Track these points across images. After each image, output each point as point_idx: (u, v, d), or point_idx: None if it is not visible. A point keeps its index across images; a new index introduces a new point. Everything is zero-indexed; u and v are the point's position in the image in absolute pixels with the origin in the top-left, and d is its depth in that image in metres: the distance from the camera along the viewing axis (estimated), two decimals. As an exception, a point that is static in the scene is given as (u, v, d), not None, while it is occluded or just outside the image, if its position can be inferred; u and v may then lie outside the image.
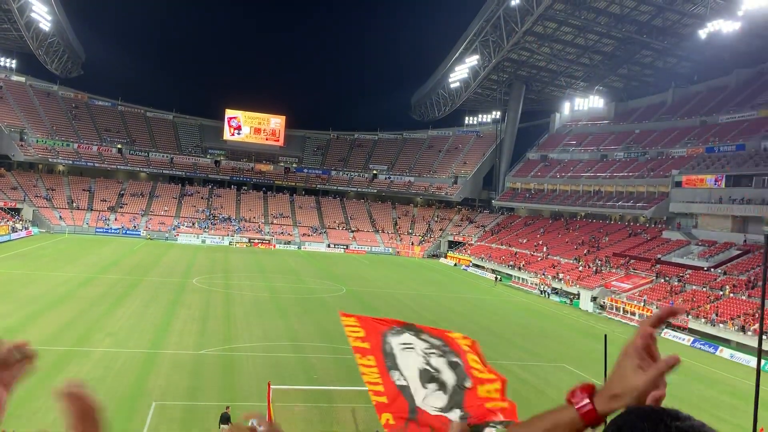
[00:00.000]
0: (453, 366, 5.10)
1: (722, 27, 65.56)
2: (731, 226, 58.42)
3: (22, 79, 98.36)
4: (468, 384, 5.00)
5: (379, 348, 5.18)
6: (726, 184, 59.65)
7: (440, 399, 4.84)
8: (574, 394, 1.52)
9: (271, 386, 18.96)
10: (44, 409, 18.94)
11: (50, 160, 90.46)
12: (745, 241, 55.25)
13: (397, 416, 4.83)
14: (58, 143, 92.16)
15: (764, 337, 38.19)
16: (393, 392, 4.96)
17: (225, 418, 18.74)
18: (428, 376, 5.02)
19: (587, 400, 1.48)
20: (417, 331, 5.39)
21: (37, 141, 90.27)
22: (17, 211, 77.08)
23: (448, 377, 5.00)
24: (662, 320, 1.49)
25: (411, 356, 5.17)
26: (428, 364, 5.12)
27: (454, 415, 4.79)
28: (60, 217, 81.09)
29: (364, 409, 21.45)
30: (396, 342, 5.22)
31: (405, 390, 4.95)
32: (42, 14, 79.06)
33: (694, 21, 70.28)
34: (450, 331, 5.53)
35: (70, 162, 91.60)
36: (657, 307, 46.40)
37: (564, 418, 1.51)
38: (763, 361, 35.04)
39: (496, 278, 66.44)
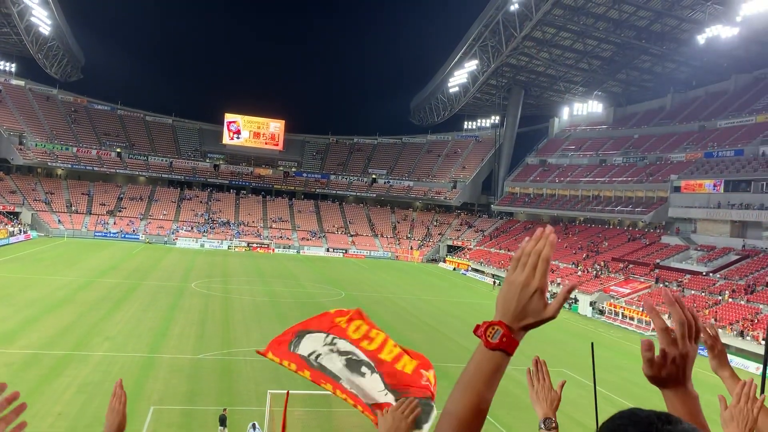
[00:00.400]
0: (343, 354, 4.82)
1: (721, 32, 65.76)
2: (730, 231, 58.47)
3: (22, 82, 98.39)
4: (366, 369, 4.68)
5: (313, 369, 4.87)
6: (724, 189, 59.72)
7: (375, 381, 4.58)
8: (492, 336, 1.64)
9: (269, 392, 18.95)
10: (41, 414, 18.90)
11: (49, 164, 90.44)
12: (743, 246, 55.31)
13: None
14: (58, 147, 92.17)
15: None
16: (359, 400, 4.72)
17: (222, 420, 18.88)
18: (353, 366, 4.74)
19: (506, 336, 1.63)
20: (304, 332, 5.06)
21: (36, 145, 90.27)
22: (16, 214, 77.01)
23: (364, 359, 4.73)
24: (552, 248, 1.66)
25: (332, 358, 4.88)
26: (345, 357, 4.84)
27: (389, 398, 4.53)
28: (59, 220, 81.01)
29: (363, 414, 21.40)
30: (307, 353, 4.91)
31: (362, 393, 4.71)
32: (42, 18, 79.13)
33: (693, 26, 70.48)
34: (327, 312, 5.18)
35: (69, 166, 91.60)
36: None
37: (498, 359, 1.63)
38: (762, 366, 35.21)
39: (494, 282, 66.43)
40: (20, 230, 71.36)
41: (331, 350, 4.76)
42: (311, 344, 4.87)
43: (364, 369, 4.61)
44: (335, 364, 4.69)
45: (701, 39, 68.61)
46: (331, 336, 4.87)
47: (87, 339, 28.92)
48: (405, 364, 4.65)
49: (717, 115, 74.53)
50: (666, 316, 1.69)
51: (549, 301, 1.66)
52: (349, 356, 4.71)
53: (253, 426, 18.56)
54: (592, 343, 4.95)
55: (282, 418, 15.24)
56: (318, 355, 4.79)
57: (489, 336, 1.63)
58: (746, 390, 2.22)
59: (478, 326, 1.68)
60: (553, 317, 1.63)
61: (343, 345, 4.76)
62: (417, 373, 4.61)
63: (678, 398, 1.71)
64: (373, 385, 4.57)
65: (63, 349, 26.74)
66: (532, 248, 1.66)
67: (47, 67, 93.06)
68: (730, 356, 40.28)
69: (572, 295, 55.81)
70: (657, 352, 1.66)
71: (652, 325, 44.98)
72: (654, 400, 1.82)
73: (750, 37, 66.74)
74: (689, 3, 67.44)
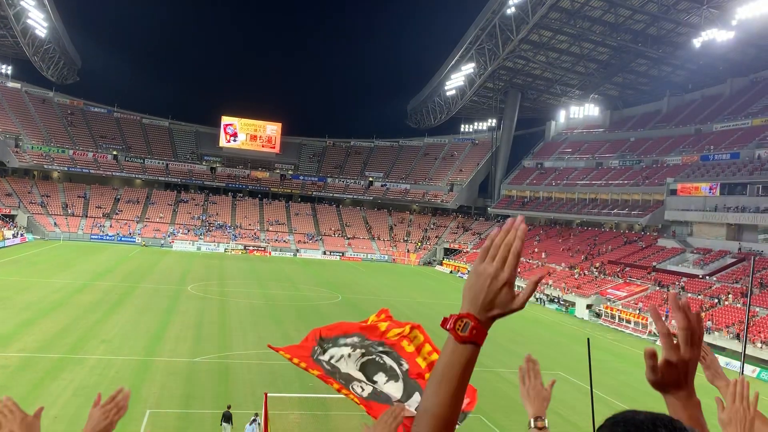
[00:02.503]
0: (386, 354, 4.88)
1: (716, 36, 65.98)
2: (726, 234, 58.60)
3: (18, 85, 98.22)
4: (405, 366, 4.77)
5: (324, 372, 4.99)
6: (720, 192, 59.87)
7: (396, 388, 4.64)
8: (462, 329, 1.63)
9: (268, 395, 18.88)
10: (37, 417, 18.79)
11: (45, 166, 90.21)
12: (739, 249, 55.43)
13: None
14: (54, 150, 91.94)
15: (763, 345, 37.99)
16: (371, 403, 4.79)
17: (227, 417, 18.93)
18: (373, 369, 4.79)
19: (476, 328, 1.62)
20: (333, 339, 5.14)
21: (33, 147, 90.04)
22: (12, 217, 76.82)
23: (390, 364, 4.77)
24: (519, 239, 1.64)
25: (348, 363, 4.95)
26: (367, 358, 4.90)
27: (415, 403, 4.60)
28: (55, 223, 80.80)
29: (359, 418, 21.39)
30: (326, 360, 5.01)
31: (375, 395, 4.77)
32: (38, 21, 78.96)
33: (689, 30, 70.71)
34: (365, 322, 5.21)
35: (66, 168, 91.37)
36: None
37: (468, 352, 1.62)
38: (758, 369, 35.16)
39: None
40: (16, 233, 71.16)
41: (352, 354, 4.80)
42: (335, 351, 4.91)
43: (381, 375, 4.64)
44: (353, 367, 4.74)
45: (697, 42, 68.82)
46: (364, 338, 4.88)
47: (83, 342, 28.83)
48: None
49: (713, 119, 74.75)
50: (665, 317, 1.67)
51: (518, 292, 1.64)
52: (371, 360, 4.73)
53: (255, 417, 18.70)
54: (588, 339, 4.95)
55: (263, 420, 15.05)
56: (338, 359, 4.84)
57: (458, 329, 1.62)
58: (739, 389, 2.21)
59: (445, 319, 1.66)
60: (520, 308, 1.62)
61: (373, 349, 4.77)
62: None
63: (680, 403, 1.70)
64: (389, 392, 4.62)
65: (59, 353, 26.65)
66: (502, 240, 1.63)
67: (43, 69, 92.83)
68: (727, 359, 40.22)
69: (570, 299, 56.00)
70: (660, 358, 1.64)
71: (649, 329, 45.06)
72: (649, 402, 1.82)
73: (746, 41, 67.02)
74: (685, 7, 67.68)
